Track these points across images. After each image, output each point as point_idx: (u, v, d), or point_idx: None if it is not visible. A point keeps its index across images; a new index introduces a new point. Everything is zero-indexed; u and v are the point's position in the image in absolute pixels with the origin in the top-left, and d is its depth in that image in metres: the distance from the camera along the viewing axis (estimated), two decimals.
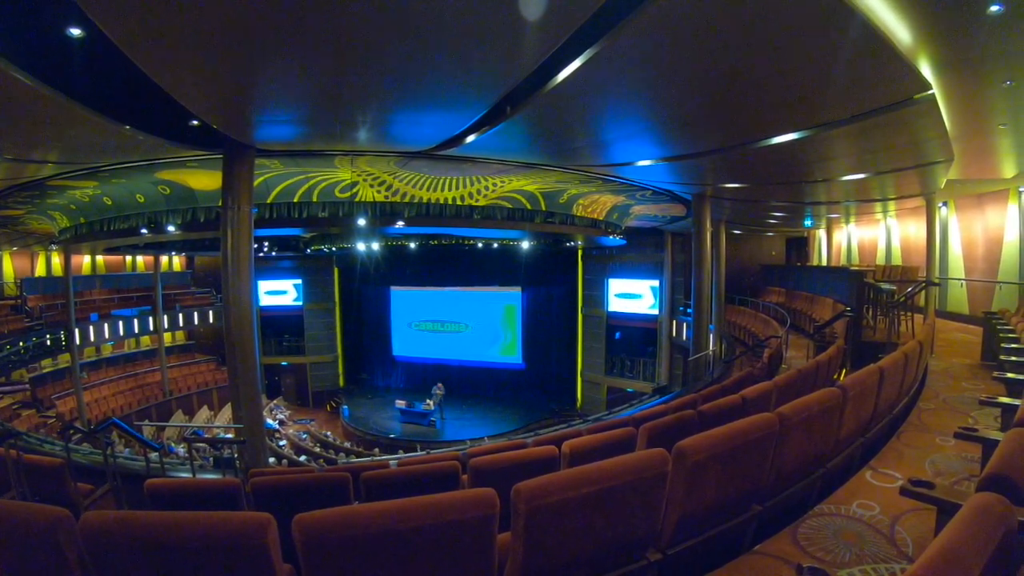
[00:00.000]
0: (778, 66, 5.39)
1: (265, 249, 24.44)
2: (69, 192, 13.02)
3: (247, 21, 4.51)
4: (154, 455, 7.65)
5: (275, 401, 27.74)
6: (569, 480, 2.45)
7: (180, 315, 26.72)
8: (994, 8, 4.13)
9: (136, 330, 24.70)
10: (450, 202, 14.36)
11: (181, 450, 17.99)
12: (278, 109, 7.63)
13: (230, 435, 13.76)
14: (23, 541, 2.20)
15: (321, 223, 14.13)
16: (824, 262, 23.32)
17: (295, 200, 13.25)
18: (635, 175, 12.31)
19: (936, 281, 12.69)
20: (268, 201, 13.00)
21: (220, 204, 9.28)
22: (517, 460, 4.05)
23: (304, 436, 23.20)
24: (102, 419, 19.27)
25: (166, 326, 25.80)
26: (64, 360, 22.32)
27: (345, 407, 27.36)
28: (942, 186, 11.50)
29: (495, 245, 24.63)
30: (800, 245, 26.90)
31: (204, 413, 26.01)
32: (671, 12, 4.20)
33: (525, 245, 23.47)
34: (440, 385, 26.13)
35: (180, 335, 29.35)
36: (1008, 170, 10.72)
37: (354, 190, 13.30)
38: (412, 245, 25.17)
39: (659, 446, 2.76)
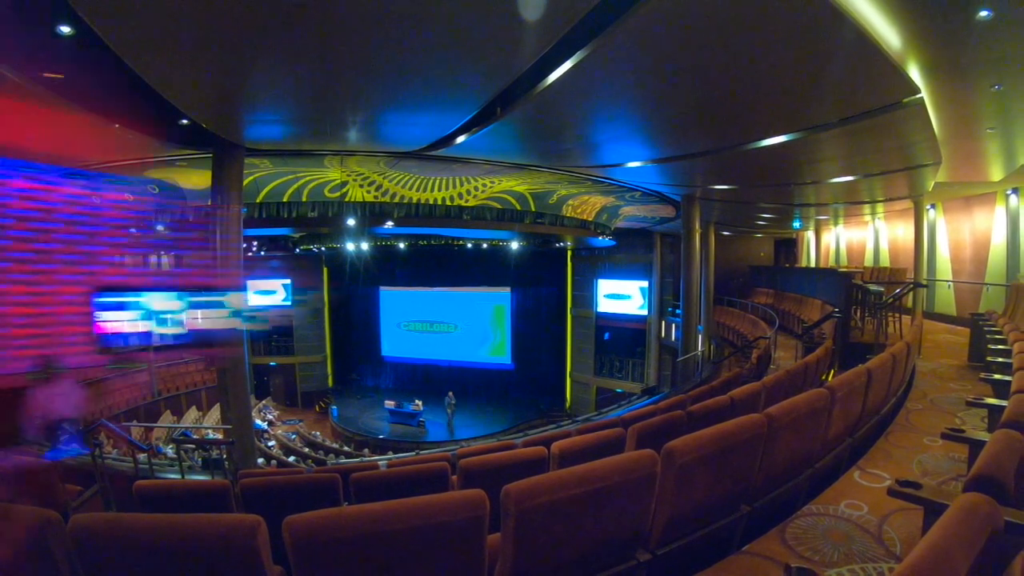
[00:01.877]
0: (768, 70, 5.41)
1: (254, 248, 24.29)
2: None
3: (238, 21, 4.49)
4: (143, 456, 7.58)
5: (264, 401, 27.51)
6: (559, 481, 2.44)
7: None
8: (983, 13, 4.17)
9: None
10: (440, 202, 14.35)
11: (170, 451, 17.83)
12: (268, 109, 7.60)
13: (219, 436, 13.66)
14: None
15: (311, 223, 14.10)
16: (812, 264, 23.48)
17: (284, 200, 13.19)
18: (625, 176, 12.34)
19: (924, 283, 12.82)
20: (257, 200, 12.94)
21: (209, 203, 9.22)
22: (506, 461, 4.05)
23: (293, 436, 23.05)
24: (90, 419, 19.08)
25: None
26: None
27: (334, 407, 27.20)
28: (930, 189, 11.60)
29: (484, 245, 24.60)
30: (789, 247, 27.05)
31: (193, 413, 25.75)
32: (662, 15, 4.21)
33: (514, 245, 23.46)
34: (451, 394, 25.76)
35: None
36: (995, 173, 10.82)
37: (344, 190, 13.26)
38: (401, 245, 25.09)
39: (648, 447, 2.76)
